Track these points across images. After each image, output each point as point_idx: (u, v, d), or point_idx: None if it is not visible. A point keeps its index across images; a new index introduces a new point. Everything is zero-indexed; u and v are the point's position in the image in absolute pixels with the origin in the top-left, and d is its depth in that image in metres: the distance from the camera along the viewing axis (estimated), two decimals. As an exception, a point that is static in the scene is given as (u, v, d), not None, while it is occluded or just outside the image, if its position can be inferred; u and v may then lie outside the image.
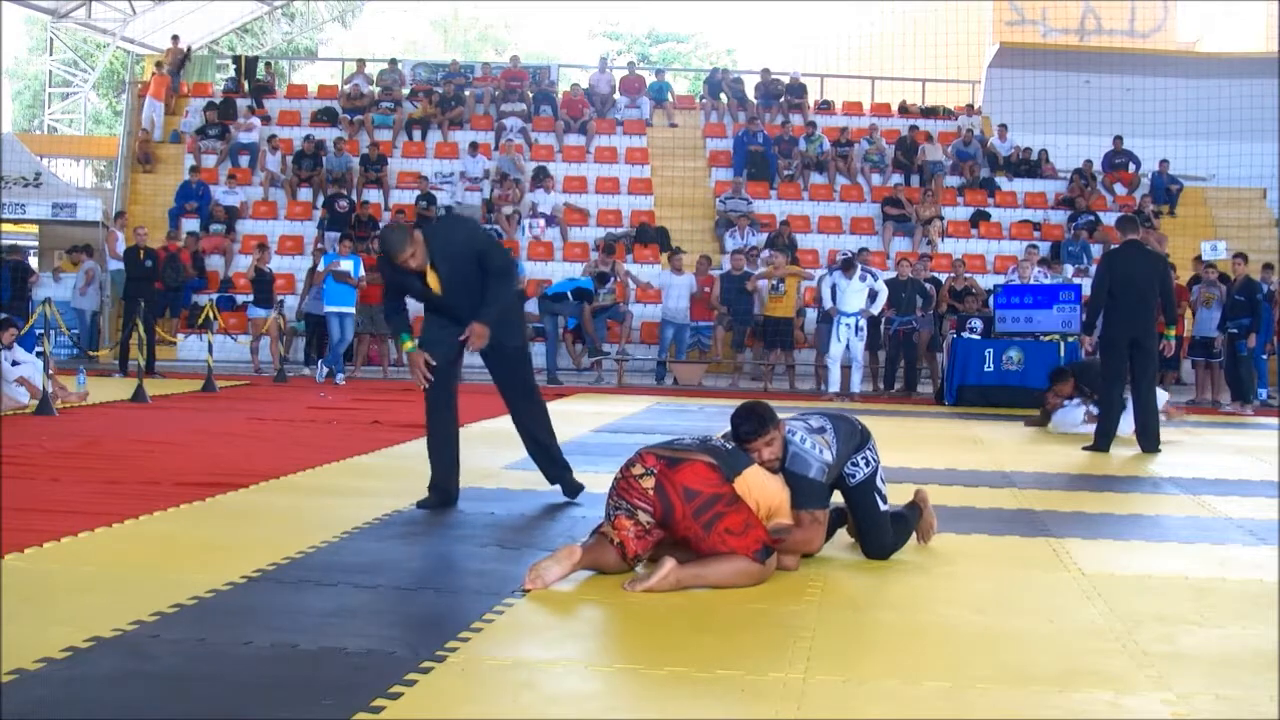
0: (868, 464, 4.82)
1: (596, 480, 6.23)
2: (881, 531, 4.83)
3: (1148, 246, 9.79)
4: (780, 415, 4.74)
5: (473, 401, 11.21)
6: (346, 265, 14.21)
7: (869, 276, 13.67)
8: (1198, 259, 15.25)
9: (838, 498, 4.97)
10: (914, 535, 5.12)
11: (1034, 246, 16.90)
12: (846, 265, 13.60)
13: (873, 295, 13.55)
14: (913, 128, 21.47)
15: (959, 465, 7.98)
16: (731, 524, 4.34)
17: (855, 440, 4.83)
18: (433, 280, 5.83)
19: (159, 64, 23.11)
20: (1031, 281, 14.22)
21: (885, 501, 4.88)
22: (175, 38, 23.59)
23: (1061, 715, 3.15)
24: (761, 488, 4.49)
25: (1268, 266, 14.22)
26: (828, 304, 13.64)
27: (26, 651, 3.33)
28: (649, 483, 4.37)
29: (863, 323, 13.49)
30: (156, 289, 14.94)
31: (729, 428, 4.68)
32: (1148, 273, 8.99)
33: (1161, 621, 4.07)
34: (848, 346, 13.44)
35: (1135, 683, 3.41)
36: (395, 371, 15.42)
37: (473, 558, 4.80)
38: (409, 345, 6.00)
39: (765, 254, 16.46)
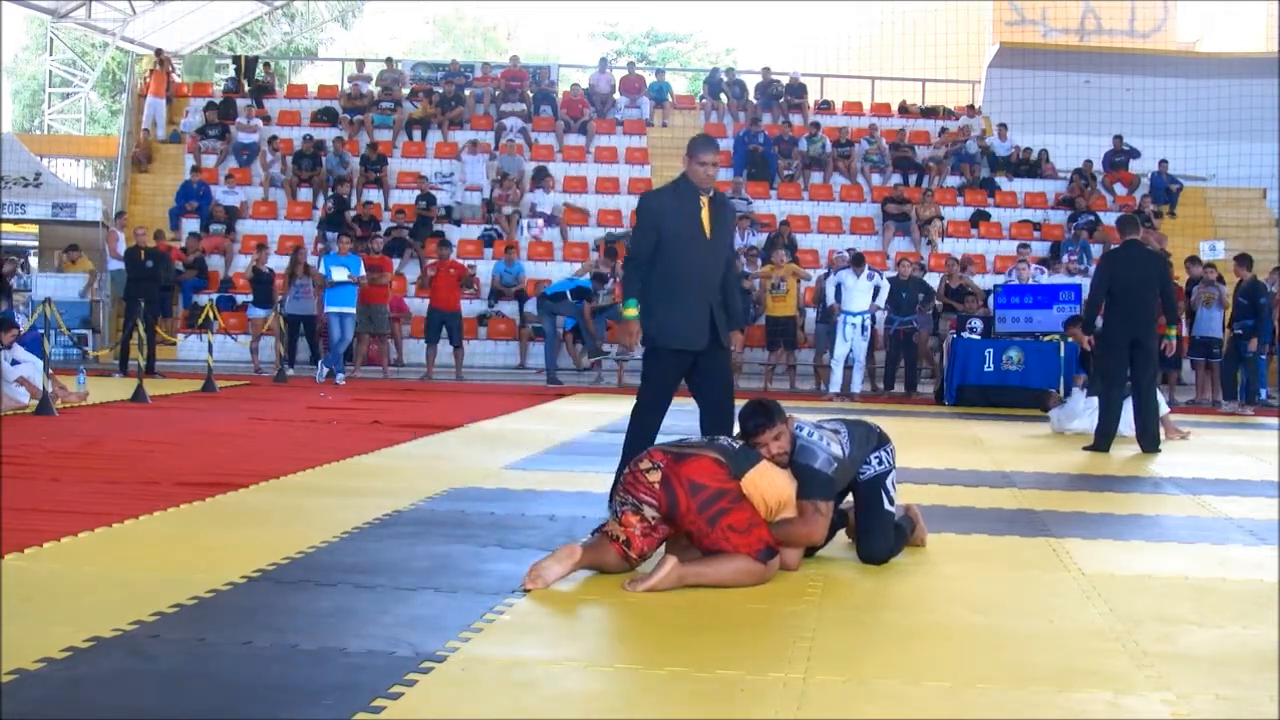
0: (880, 463, 4.83)
1: (597, 480, 6.23)
2: (881, 532, 4.82)
3: (1148, 246, 9.78)
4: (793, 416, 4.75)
5: (473, 402, 11.24)
6: (341, 274, 14.12)
7: (875, 274, 13.72)
8: (1190, 260, 15.23)
9: (847, 500, 4.97)
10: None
11: (1026, 245, 16.87)
12: (857, 261, 13.63)
13: (876, 291, 13.60)
14: (901, 129, 21.52)
15: (959, 465, 7.98)
16: (735, 521, 4.35)
17: (871, 444, 4.84)
18: (706, 219, 5.63)
19: (156, 51, 23.07)
20: (1031, 281, 14.20)
21: (893, 504, 4.88)
22: (165, 55, 23.38)
23: (1061, 715, 3.15)
24: (769, 482, 4.49)
25: (1278, 270, 14.22)
26: (830, 301, 13.64)
27: (26, 651, 3.33)
28: (655, 476, 4.38)
29: (868, 321, 13.51)
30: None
31: (738, 428, 4.69)
32: (1147, 273, 8.99)
33: (1161, 621, 4.08)
34: (851, 346, 13.46)
35: (1135, 683, 3.41)
36: (395, 371, 15.41)
37: (473, 558, 4.79)
38: (633, 312, 5.70)
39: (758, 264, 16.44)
